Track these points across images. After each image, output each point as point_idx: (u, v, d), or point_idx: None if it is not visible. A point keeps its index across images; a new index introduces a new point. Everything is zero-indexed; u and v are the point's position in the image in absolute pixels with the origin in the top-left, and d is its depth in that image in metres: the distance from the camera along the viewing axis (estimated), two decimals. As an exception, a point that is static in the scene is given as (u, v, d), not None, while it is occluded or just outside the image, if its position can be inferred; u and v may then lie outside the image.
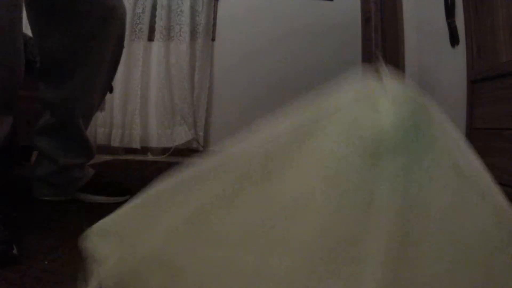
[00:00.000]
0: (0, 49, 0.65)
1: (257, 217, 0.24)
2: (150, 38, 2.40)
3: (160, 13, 2.37)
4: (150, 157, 2.29)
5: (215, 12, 2.42)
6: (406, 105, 0.26)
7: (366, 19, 2.46)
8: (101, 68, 0.92)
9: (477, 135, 1.49)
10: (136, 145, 2.33)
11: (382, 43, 2.37)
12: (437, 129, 0.26)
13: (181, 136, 2.31)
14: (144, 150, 2.37)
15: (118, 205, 1.01)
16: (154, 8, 2.40)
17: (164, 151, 2.35)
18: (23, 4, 0.72)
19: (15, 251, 0.53)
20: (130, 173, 1.59)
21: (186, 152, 2.30)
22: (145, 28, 2.39)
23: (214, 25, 2.42)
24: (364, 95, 0.27)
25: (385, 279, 0.21)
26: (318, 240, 0.22)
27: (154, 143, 2.40)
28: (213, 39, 2.42)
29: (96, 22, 0.86)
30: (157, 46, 2.38)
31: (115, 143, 2.33)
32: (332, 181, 0.23)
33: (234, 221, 0.24)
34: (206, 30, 2.37)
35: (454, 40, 1.60)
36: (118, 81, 2.29)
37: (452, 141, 0.26)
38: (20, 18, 0.70)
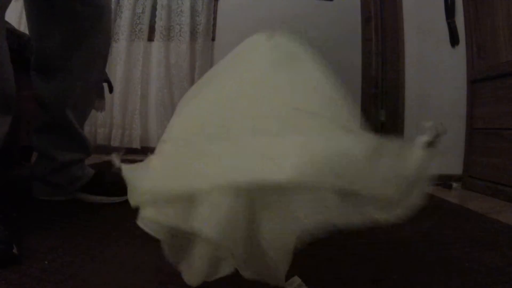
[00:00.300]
0: None
1: (222, 100, 0.43)
2: (150, 38, 2.40)
3: (160, 13, 2.37)
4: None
5: (215, 12, 2.42)
6: (292, 40, 0.47)
7: (366, 19, 2.46)
8: (94, 63, 0.95)
9: (477, 135, 1.49)
10: (136, 145, 2.34)
11: (382, 43, 2.37)
12: (311, 53, 0.47)
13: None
14: (144, 150, 2.37)
15: (118, 205, 1.01)
16: (154, 8, 2.40)
17: (164, 151, 2.34)
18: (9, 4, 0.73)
19: (15, 251, 0.53)
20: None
21: (186, 152, 2.30)
22: (145, 28, 2.38)
23: (214, 25, 2.42)
24: (267, 38, 0.49)
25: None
26: (257, 99, 0.41)
27: (154, 143, 2.40)
28: (213, 39, 2.42)
29: (91, 21, 0.89)
30: (157, 46, 2.38)
31: (115, 143, 2.33)
32: (257, 77, 0.44)
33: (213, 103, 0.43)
34: (206, 30, 2.37)
35: (454, 40, 1.60)
36: (118, 81, 2.29)
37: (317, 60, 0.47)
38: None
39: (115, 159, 0.44)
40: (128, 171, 0.42)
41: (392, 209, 0.39)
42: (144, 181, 0.40)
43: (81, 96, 0.95)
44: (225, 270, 0.40)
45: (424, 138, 0.41)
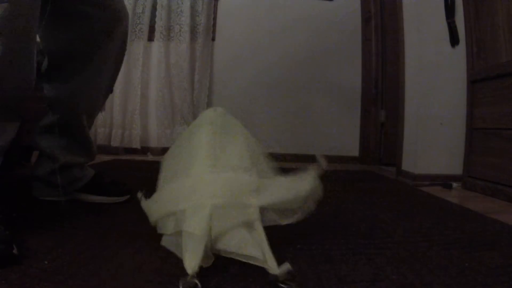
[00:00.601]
0: (18, 52, 0.65)
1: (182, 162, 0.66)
2: (150, 38, 2.40)
3: (160, 13, 2.37)
4: (150, 157, 2.29)
5: (215, 12, 2.42)
6: (224, 114, 0.71)
7: (366, 19, 2.46)
8: (105, 68, 0.95)
9: (477, 135, 1.49)
10: (136, 145, 2.34)
11: (382, 43, 2.37)
12: (238, 124, 0.72)
13: (181, 136, 2.31)
14: (144, 150, 2.37)
15: (118, 205, 1.01)
16: (154, 8, 2.40)
17: (164, 151, 2.34)
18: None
19: (15, 251, 0.53)
20: (130, 173, 1.59)
21: (186, 152, 2.30)
22: (145, 28, 2.39)
23: (214, 25, 2.42)
24: (210, 113, 0.70)
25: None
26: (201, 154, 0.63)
27: (154, 143, 2.40)
28: (213, 39, 2.42)
29: (104, 26, 0.89)
30: (157, 46, 2.38)
31: (115, 143, 2.33)
32: (202, 143, 0.65)
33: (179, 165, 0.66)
34: (206, 30, 2.37)
35: (454, 40, 1.60)
36: (118, 81, 2.26)
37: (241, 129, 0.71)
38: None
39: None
40: (144, 204, 0.66)
41: (290, 215, 0.65)
42: (152, 209, 0.65)
43: (92, 100, 0.95)
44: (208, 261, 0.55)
45: (313, 171, 0.64)
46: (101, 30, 0.89)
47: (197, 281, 0.48)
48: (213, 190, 0.59)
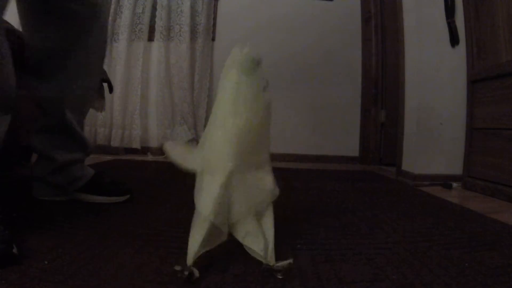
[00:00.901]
0: None
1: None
2: (150, 38, 2.40)
3: (160, 13, 2.37)
4: (150, 157, 2.29)
5: (215, 12, 2.42)
6: (252, 56, 0.69)
7: (366, 19, 2.46)
8: (91, 62, 0.94)
9: (477, 135, 1.49)
10: (136, 145, 2.34)
11: (382, 43, 2.37)
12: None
13: (181, 136, 2.31)
14: (144, 150, 2.37)
15: (118, 205, 1.02)
16: (154, 8, 2.40)
17: (164, 151, 2.34)
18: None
19: (15, 251, 0.53)
20: (130, 173, 1.59)
21: (186, 152, 2.30)
22: (145, 28, 2.39)
23: (214, 25, 2.42)
24: (236, 54, 0.68)
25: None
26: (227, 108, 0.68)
27: (154, 143, 2.40)
28: (213, 39, 2.42)
29: (87, 19, 0.88)
30: (157, 46, 2.38)
31: (115, 143, 2.33)
32: (231, 87, 0.69)
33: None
34: (206, 30, 2.37)
35: (454, 40, 1.60)
36: (118, 81, 2.29)
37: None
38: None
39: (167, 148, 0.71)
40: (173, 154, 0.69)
41: None
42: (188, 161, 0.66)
43: (80, 96, 0.95)
44: (218, 240, 0.56)
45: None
46: (85, 25, 0.88)
47: (194, 270, 0.49)
48: (226, 151, 0.58)
